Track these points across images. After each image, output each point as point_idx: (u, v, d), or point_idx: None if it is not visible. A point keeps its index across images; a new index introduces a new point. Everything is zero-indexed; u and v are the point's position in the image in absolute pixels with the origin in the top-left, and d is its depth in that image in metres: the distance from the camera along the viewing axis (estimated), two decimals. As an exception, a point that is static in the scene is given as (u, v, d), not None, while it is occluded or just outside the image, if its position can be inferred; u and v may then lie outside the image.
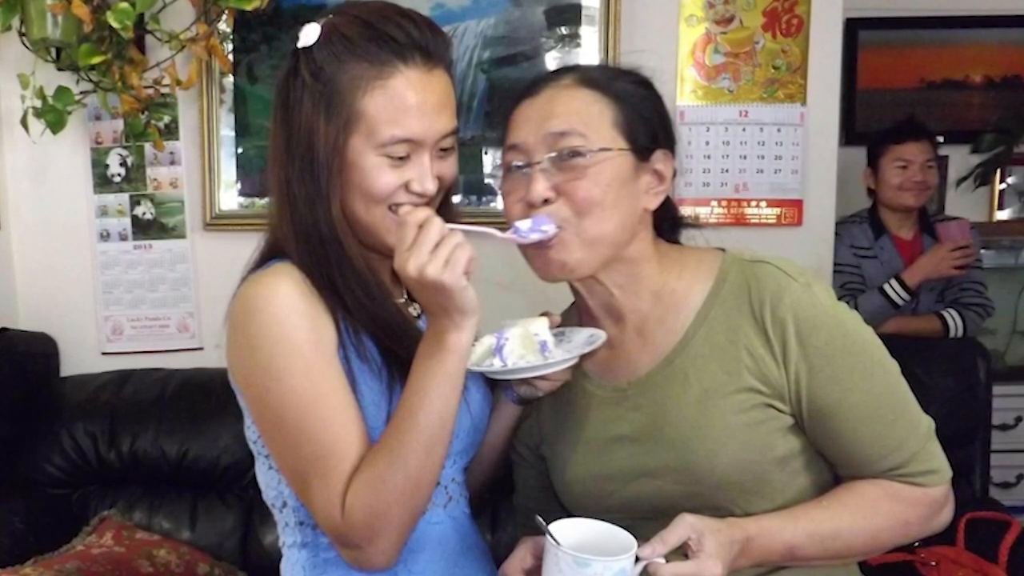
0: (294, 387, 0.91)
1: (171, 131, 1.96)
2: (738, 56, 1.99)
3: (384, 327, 0.98)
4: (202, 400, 1.79)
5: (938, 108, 2.95)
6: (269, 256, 1.01)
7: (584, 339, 1.02)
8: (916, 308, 2.38)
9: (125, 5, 1.63)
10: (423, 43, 0.95)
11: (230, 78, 1.96)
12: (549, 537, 0.85)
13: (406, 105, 0.93)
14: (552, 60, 2.00)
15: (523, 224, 0.95)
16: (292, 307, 0.92)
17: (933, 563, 1.63)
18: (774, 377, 0.95)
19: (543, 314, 1.05)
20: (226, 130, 1.98)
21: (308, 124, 0.94)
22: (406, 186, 0.96)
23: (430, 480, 0.91)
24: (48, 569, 1.47)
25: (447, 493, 1.05)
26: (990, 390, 1.88)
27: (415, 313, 1.06)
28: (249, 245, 1.05)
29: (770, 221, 2.05)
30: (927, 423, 0.98)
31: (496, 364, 0.97)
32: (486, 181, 2.01)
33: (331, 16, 0.97)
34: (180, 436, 1.78)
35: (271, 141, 1.00)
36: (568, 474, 1.06)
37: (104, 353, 2.02)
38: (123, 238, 1.99)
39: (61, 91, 1.76)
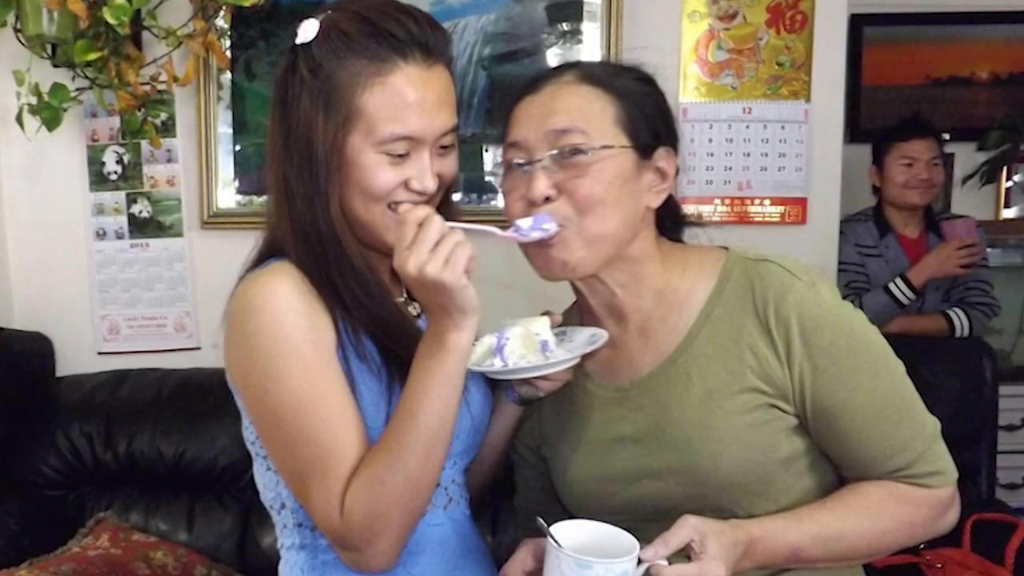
0: (292, 387, 0.90)
1: (168, 128, 1.96)
2: (741, 52, 1.99)
3: (383, 326, 0.97)
4: (199, 400, 1.79)
5: (944, 105, 2.95)
6: (267, 255, 1.00)
7: (586, 339, 1.01)
8: (921, 307, 2.37)
9: (122, 1, 1.62)
10: (423, 39, 0.94)
11: (228, 75, 1.96)
12: (550, 539, 0.85)
13: (406, 102, 0.92)
14: (553, 56, 1.99)
15: (524, 222, 0.94)
16: (290, 306, 0.92)
17: (939, 565, 1.63)
18: (778, 377, 0.94)
19: (544, 313, 1.04)
20: (224, 127, 1.97)
21: (307, 121, 0.94)
22: (406, 184, 0.95)
23: (430, 481, 0.91)
24: (44, 571, 1.47)
25: (447, 494, 1.04)
26: (996, 390, 1.88)
27: (415, 312, 1.06)
28: (247, 244, 1.04)
29: (774, 219, 2.04)
30: (932, 423, 0.98)
31: (497, 364, 0.96)
32: (487, 179, 2.01)
33: (330, 12, 0.96)
34: (177, 437, 1.77)
35: (269, 139, 0.99)
36: (569, 475, 1.05)
37: (100, 353, 2.01)
38: (119, 236, 1.99)
39: (57, 88, 1.75)
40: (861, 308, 1.00)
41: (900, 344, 0.99)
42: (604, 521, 0.90)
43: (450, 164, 1.00)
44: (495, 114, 1.96)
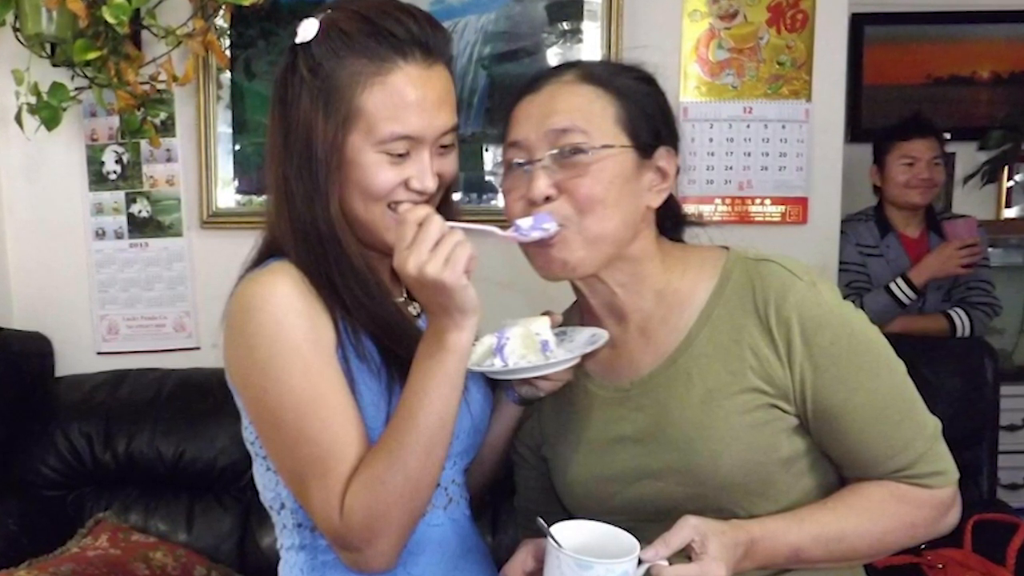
0: (292, 387, 0.90)
1: (167, 128, 1.95)
2: (742, 52, 1.98)
3: (383, 326, 0.97)
4: (199, 400, 1.78)
5: (945, 104, 2.95)
6: (267, 254, 1.00)
7: (586, 339, 1.01)
8: (923, 307, 2.37)
9: (121, 0, 1.62)
10: (423, 39, 0.94)
11: (227, 74, 1.95)
12: (550, 539, 0.85)
13: (406, 102, 0.92)
14: (554, 56, 1.99)
15: (524, 222, 0.94)
16: (290, 306, 0.92)
17: (940, 565, 1.63)
18: (779, 377, 0.94)
19: (544, 313, 1.04)
20: (223, 127, 1.97)
21: (306, 121, 0.93)
22: (406, 183, 0.95)
23: (430, 481, 0.90)
24: (43, 572, 1.47)
25: (447, 495, 1.04)
26: (997, 390, 1.88)
27: (415, 312, 1.05)
28: (247, 243, 1.04)
29: (775, 219, 2.04)
30: (934, 424, 0.98)
31: (497, 364, 0.96)
32: (487, 178, 2.01)
33: (329, 11, 0.96)
34: (176, 437, 1.77)
35: (269, 138, 0.99)
36: (570, 475, 1.05)
37: (99, 353, 2.01)
38: (119, 236, 1.98)
39: (56, 87, 1.75)
40: (862, 308, 1.00)
41: (901, 344, 0.99)
42: (604, 521, 0.89)
43: (450, 164, 1.00)
44: (495, 114, 1.96)
